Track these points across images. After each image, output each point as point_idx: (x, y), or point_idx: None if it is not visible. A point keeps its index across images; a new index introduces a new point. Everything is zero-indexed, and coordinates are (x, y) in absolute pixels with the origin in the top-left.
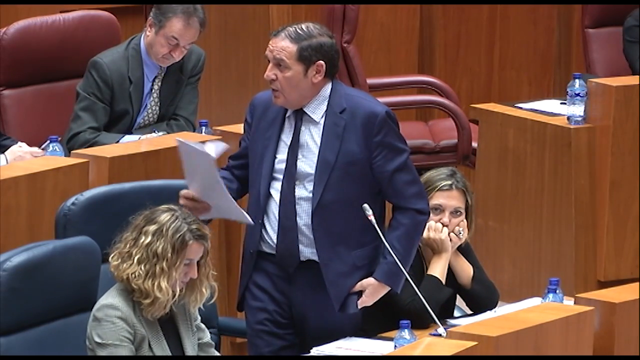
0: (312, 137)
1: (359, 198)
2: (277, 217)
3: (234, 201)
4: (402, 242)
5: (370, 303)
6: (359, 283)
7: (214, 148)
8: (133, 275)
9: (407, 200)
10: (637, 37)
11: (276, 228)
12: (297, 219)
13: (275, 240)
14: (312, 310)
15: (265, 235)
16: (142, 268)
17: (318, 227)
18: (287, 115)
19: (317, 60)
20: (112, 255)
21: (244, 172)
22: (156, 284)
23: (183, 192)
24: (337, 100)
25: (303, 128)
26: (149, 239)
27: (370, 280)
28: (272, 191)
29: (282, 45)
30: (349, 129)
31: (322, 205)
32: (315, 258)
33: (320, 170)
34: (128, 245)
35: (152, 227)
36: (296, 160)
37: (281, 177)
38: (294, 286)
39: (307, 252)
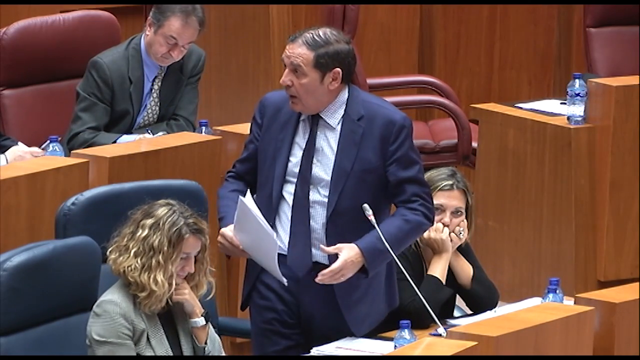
0: (328, 143)
1: (373, 204)
2: (290, 221)
3: (277, 264)
4: (400, 230)
5: (340, 270)
6: (336, 246)
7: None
8: (129, 268)
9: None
10: None
11: (288, 232)
12: (311, 221)
13: (286, 244)
14: (320, 311)
15: (277, 237)
16: (139, 261)
17: (331, 234)
18: (301, 118)
19: (333, 67)
20: (110, 249)
21: (254, 176)
22: (152, 277)
23: (225, 232)
24: (355, 107)
25: (319, 133)
26: (146, 232)
27: (351, 245)
28: (285, 194)
29: (299, 51)
30: (366, 136)
31: (337, 213)
32: (325, 261)
33: (336, 177)
34: (126, 239)
35: (149, 221)
36: (311, 165)
37: (294, 180)
38: (303, 287)
39: (319, 255)
